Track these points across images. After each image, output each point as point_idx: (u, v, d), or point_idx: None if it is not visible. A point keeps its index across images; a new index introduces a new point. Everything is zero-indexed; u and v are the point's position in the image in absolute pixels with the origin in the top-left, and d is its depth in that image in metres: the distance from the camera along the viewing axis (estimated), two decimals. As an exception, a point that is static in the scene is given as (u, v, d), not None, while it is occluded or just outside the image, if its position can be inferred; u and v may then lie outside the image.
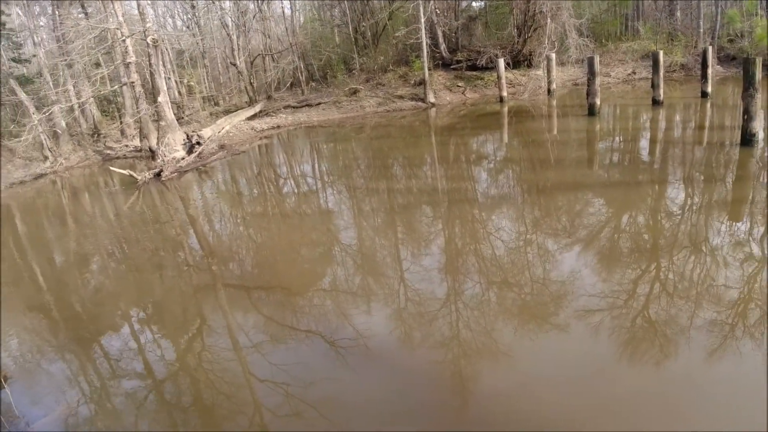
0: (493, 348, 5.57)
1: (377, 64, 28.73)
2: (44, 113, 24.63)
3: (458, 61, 27.30)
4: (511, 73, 25.17)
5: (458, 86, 26.31)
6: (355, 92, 27.32)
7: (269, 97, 31.05)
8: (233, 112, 29.54)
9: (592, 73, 16.72)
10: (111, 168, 20.60)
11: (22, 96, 28.23)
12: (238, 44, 31.46)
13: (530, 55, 25.84)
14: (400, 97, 25.99)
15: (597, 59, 16.88)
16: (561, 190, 10.68)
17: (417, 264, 8.13)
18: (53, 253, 13.43)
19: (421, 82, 25.57)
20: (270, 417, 5.19)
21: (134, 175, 18.55)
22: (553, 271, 7.08)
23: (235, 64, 31.88)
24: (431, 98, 24.93)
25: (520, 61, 26.35)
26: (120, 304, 9.02)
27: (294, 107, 28.44)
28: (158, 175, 18.77)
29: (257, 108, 28.81)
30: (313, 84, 31.48)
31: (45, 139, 27.55)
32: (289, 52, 31.79)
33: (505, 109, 21.90)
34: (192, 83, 36.34)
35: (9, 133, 29.93)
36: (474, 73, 26.73)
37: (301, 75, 31.31)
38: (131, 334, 7.76)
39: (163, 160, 20.40)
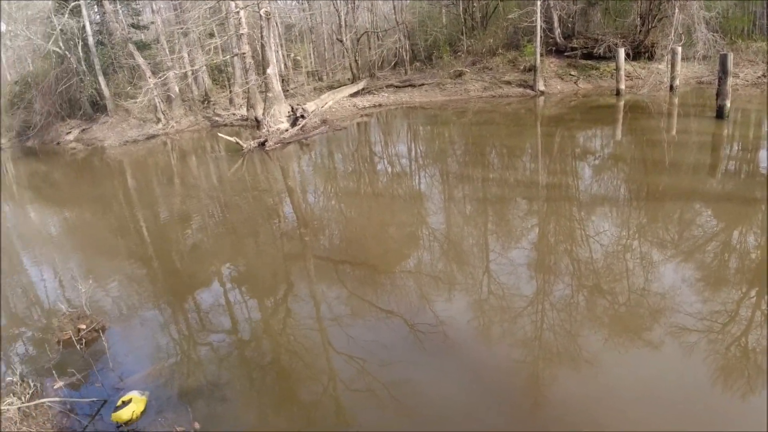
0: (576, 355, 5.47)
1: (485, 46, 28.29)
2: (160, 78, 26.38)
3: (573, 48, 26.33)
4: (630, 65, 23.98)
5: (571, 75, 25.43)
6: (460, 75, 27.13)
7: (372, 75, 31.53)
8: (336, 87, 30.29)
9: (724, 72, 15.59)
10: (219, 134, 21.86)
11: (140, 60, 30.36)
12: (345, 21, 32.10)
13: (652, 46, 24.46)
14: (507, 82, 25.53)
15: (731, 57, 15.76)
16: (673, 197, 10.11)
17: (504, 257, 8.08)
18: (158, 209, 14.56)
19: (531, 69, 24.96)
20: (343, 389, 5.43)
21: (240, 142, 19.61)
22: (653, 283, 6.75)
23: (341, 41, 32.57)
24: (541, 86, 24.32)
25: (640, 52, 24.97)
26: (215, 263, 9.72)
27: (396, 87, 28.73)
28: (262, 144, 19.76)
29: (360, 85, 29.38)
30: (417, 64, 31.55)
31: (159, 102, 29.66)
32: (395, 31, 32.01)
33: (621, 103, 20.95)
34: (298, 58, 37.50)
35: (126, 94, 32.44)
36: (589, 62, 25.69)
37: (406, 55, 31.47)
38: (222, 293, 8.36)
39: (268, 131, 21.40)
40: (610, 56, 24.28)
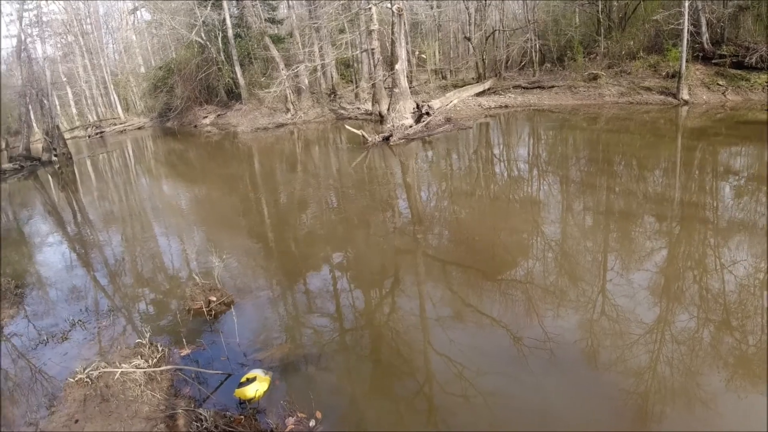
0: (691, 393, 5.13)
1: (625, 49, 26.97)
2: (294, 70, 27.82)
3: (722, 56, 24.27)
4: (784, 78, 21.87)
5: (719, 85, 23.56)
6: (594, 78, 26.03)
7: (498, 75, 31.14)
8: (460, 86, 30.29)
9: None
10: (346, 126, 22.71)
11: (275, 52, 32.22)
12: (474, 19, 31.98)
13: (807, 59, 22.05)
14: (647, 89, 24.12)
15: None
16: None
17: (624, 277, 7.69)
18: (281, 193, 15.57)
19: (674, 75, 23.47)
20: (437, 390, 5.51)
21: (366, 135, 20.30)
22: (790, 325, 6.14)
23: (469, 39, 32.48)
24: (684, 95, 22.75)
25: (796, 65, 22.60)
26: (327, 249, 10.27)
27: (524, 88, 28.18)
28: (387, 139, 20.34)
29: (486, 85, 29.16)
30: (548, 65, 30.73)
31: (290, 93, 31.26)
32: (524, 30, 31.39)
33: (774, 119, 19.18)
34: (423, 56, 37.89)
35: (259, 84, 34.53)
36: (738, 71, 23.57)
37: (535, 55, 30.75)
38: (331, 279, 8.82)
39: (393, 125, 21.93)
40: (762, 67, 22.28)
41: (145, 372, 6.03)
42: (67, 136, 36.94)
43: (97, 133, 45.99)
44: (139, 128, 46.53)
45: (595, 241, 9.34)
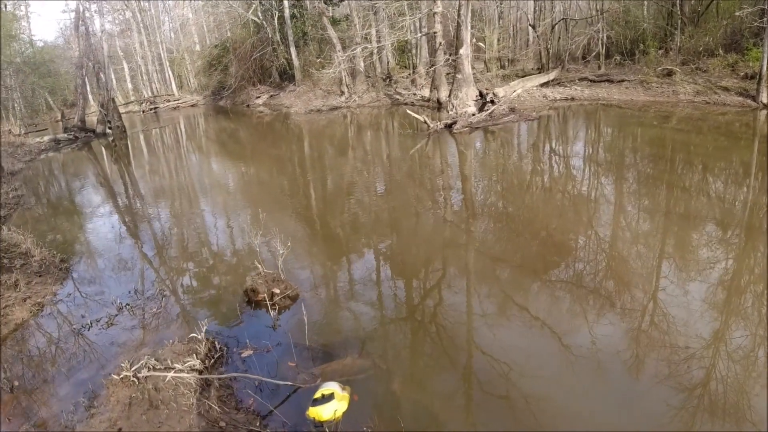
0: (742, 413, 4.88)
1: (702, 45, 25.53)
2: (353, 50, 27.35)
3: (804, 58, 22.81)
4: None
5: (802, 88, 22.10)
6: (669, 74, 24.83)
7: (563, 67, 30.09)
8: (520, 76, 29.68)
9: None
10: (408, 111, 22.16)
11: (332, 33, 31.87)
12: (540, 7, 30.98)
13: None
14: (725, 89, 22.82)
15: None
16: None
17: (678, 287, 7.33)
18: (327, 176, 15.54)
19: (754, 77, 22.11)
20: (477, 388, 5.40)
21: (428, 122, 19.68)
22: None
23: (534, 27, 31.50)
24: (764, 98, 21.42)
25: None
26: (372, 236, 10.13)
27: (591, 81, 27.35)
28: (449, 126, 19.65)
29: (551, 75, 28.40)
30: (617, 58, 29.44)
31: (345, 76, 30.87)
32: (596, 20, 30.16)
33: None
34: (480, 44, 37.04)
35: (314, 65, 34.28)
36: (823, 75, 22.11)
37: (602, 47, 29.51)
38: (375, 267, 8.65)
39: (456, 113, 21.31)
40: None
41: (200, 372, 5.47)
42: (121, 110, 37.71)
43: (151, 109, 46.84)
44: (192, 105, 47.21)
45: (649, 246, 8.82)
